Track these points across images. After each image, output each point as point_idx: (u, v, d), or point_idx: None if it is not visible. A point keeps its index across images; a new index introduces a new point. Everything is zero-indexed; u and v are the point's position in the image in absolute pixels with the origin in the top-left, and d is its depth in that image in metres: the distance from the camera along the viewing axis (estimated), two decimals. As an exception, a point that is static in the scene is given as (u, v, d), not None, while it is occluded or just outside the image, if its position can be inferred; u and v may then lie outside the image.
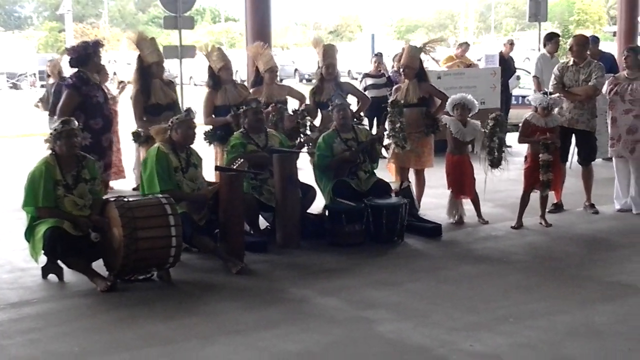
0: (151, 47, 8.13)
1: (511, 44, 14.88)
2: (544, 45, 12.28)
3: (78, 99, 7.51)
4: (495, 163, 8.04)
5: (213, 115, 8.41)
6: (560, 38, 13.33)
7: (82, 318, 5.58)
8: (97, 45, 7.78)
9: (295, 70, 36.94)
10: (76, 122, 6.64)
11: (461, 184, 8.20)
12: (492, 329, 5.16)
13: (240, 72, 18.27)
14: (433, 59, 14.39)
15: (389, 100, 8.46)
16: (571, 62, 8.67)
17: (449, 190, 8.26)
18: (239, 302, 5.83)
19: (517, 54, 27.54)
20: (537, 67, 11.76)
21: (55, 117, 11.15)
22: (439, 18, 65.41)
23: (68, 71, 8.54)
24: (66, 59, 8.04)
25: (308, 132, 8.56)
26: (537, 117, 8.02)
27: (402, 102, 8.32)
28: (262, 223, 7.78)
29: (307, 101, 8.80)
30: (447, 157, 8.30)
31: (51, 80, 11.63)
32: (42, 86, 37.90)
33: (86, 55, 7.64)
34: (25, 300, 5.95)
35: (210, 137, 8.37)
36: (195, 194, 6.96)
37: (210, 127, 8.47)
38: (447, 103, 8.31)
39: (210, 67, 8.48)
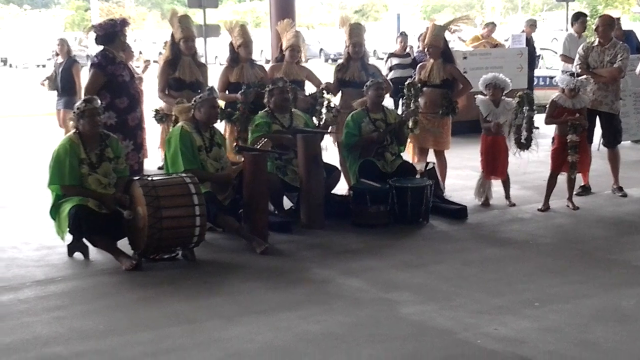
0: (178, 23, 8.16)
1: (532, 25, 14.67)
2: (572, 25, 12.15)
3: (104, 78, 7.51)
4: (524, 144, 7.93)
5: (226, 92, 8.38)
6: (589, 18, 13.17)
7: (107, 296, 5.61)
8: (124, 23, 7.78)
9: (321, 50, 36.81)
10: (99, 101, 6.64)
11: (494, 164, 8.12)
12: (517, 312, 5.12)
13: (266, 52, 18.23)
14: (459, 38, 14.28)
15: (407, 82, 8.41)
16: (596, 43, 8.55)
17: (481, 170, 8.18)
18: (262, 282, 5.83)
19: (545, 34, 27.29)
20: (565, 46, 11.66)
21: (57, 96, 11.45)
22: (466, -3, 64.78)
23: (93, 49, 8.57)
24: (92, 36, 8.03)
25: (324, 112, 8.46)
26: (564, 98, 7.91)
27: (425, 81, 8.28)
28: (287, 203, 7.77)
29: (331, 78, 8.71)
30: (482, 138, 8.21)
31: (59, 60, 11.78)
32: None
33: (113, 34, 7.63)
34: (51, 277, 5.99)
35: (221, 114, 8.31)
36: (219, 174, 6.95)
37: (223, 104, 8.42)
38: (479, 82, 8.20)
39: (231, 43, 8.46)
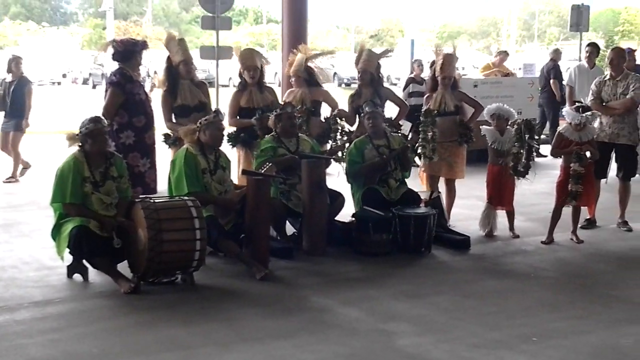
0: (177, 46, 8.13)
1: (558, 53, 14.66)
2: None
3: (122, 96, 7.57)
4: (521, 172, 7.88)
5: (237, 117, 8.38)
6: (604, 49, 13.21)
7: (104, 320, 5.59)
8: (144, 45, 7.87)
9: (335, 74, 36.86)
10: (105, 121, 6.64)
11: (500, 195, 8.09)
12: (514, 347, 5.07)
13: (280, 75, 18.26)
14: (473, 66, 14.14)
15: (423, 110, 8.38)
16: (608, 77, 8.53)
17: (487, 201, 8.15)
18: (260, 309, 5.80)
19: (560, 64, 27.25)
20: (570, 77, 11.69)
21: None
22: (482, 25, 65.00)
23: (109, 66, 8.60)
24: (107, 53, 8.09)
25: (339, 137, 8.48)
26: (570, 130, 7.88)
27: (436, 111, 8.25)
28: (289, 229, 7.75)
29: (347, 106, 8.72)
30: (489, 168, 8.20)
31: (9, 78, 11.18)
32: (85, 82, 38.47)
33: (132, 52, 7.71)
34: (48, 299, 5.97)
35: (233, 139, 8.31)
36: (222, 198, 6.94)
37: (235, 129, 8.40)
38: (484, 112, 8.21)
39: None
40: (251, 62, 8.34)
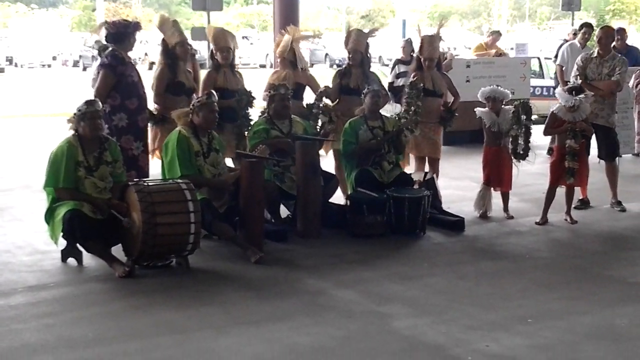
0: (172, 28, 8.13)
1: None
2: (575, 36, 12.14)
3: (114, 78, 7.51)
4: (520, 154, 7.90)
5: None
6: (595, 28, 13.07)
7: (98, 304, 5.57)
8: (137, 27, 7.81)
9: (326, 55, 36.75)
10: (100, 104, 6.60)
11: (499, 176, 8.08)
12: (510, 328, 5.07)
13: (271, 56, 18.17)
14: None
15: (409, 81, 8.34)
16: (595, 54, 8.51)
17: (483, 182, 8.13)
18: (254, 292, 5.79)
19: (551, 43, 27.28)
20: (562, 55, 11.61)
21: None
22: (473, 5, 64.79)
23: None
24: (102, 34, 8.03)
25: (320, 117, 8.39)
26: (563, 110, 7.86)
27: (431, 90, 8.26)
28: (284, 211, 7.73)
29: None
30: (485, 150, 8.18)
31: None
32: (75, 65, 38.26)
33: (125, 34, 7.65)
34: (43, 283, 5.95)
35: None
36: (216, 180, 6.91)
37: None
38: (478, 95, 8.18)
39: (212, 49, 8.43)
40: (224, 42, 8.29)
